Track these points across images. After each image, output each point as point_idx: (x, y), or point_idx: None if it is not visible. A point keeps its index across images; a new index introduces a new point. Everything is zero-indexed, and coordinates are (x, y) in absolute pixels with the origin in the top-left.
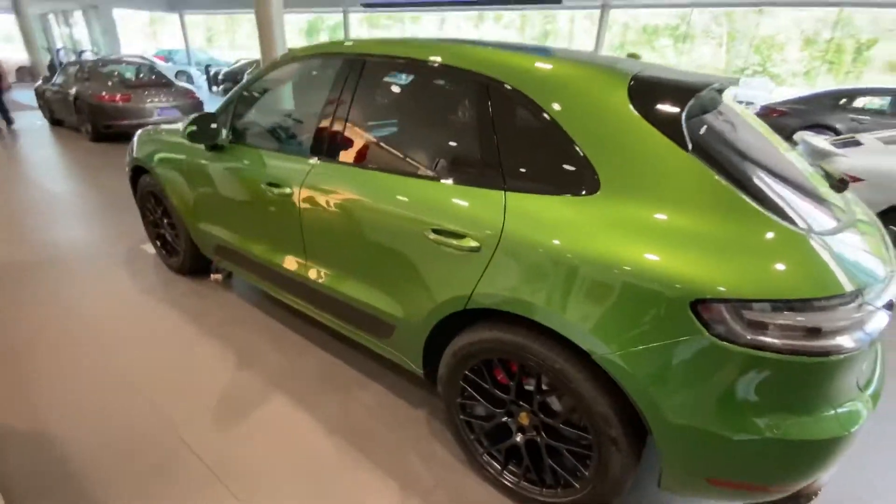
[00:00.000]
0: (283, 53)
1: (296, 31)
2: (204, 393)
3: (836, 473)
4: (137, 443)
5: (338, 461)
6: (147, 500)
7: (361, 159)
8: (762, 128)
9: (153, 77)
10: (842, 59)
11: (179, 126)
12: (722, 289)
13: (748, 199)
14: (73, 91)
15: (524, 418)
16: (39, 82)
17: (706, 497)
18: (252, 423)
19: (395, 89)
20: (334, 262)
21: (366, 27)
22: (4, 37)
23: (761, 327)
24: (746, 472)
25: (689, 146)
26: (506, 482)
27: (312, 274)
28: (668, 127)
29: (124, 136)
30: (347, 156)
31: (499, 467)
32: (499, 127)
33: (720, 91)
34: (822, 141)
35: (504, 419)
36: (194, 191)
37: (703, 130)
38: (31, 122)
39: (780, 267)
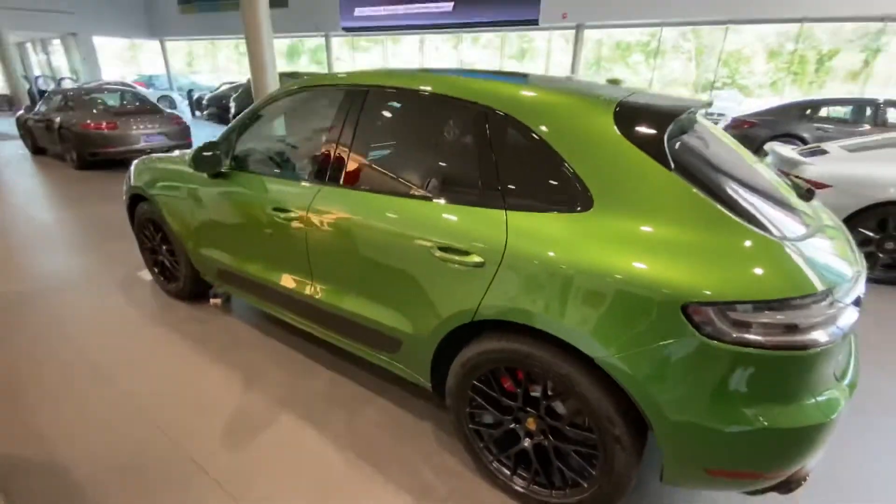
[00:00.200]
0: (284, 85)
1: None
2: (212, 415)
3: (822, 460)
4: (148, 465)
5: (350, 476)
6: None
7: (367, 184)
8: (733, 144)
9: (139, 104)
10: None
11: (177, 154)
12: (708, 293)
13: (727, 212)
14: (57, 119)
15: (531, 423)
16: (21, 111)
17: (706, 487)
18: (262, 442)
19: (397, 118)
20: (341, 282)
21: (347, 49)
22: None
23: (745, 326)
24: (741, 461)
25: (672, 165)
26: (516, 487)
27: (318, 294)
28: (652, 148)
29: (110, 164)
30: (353, 181)
31: (508, 473)
32: (499, 153)
33: (695, 113)
34: (790, 151)
35: (512, 426)
36: (196, 217)
37: (683, 150)
38: (12, 152)
39: (758, 271)
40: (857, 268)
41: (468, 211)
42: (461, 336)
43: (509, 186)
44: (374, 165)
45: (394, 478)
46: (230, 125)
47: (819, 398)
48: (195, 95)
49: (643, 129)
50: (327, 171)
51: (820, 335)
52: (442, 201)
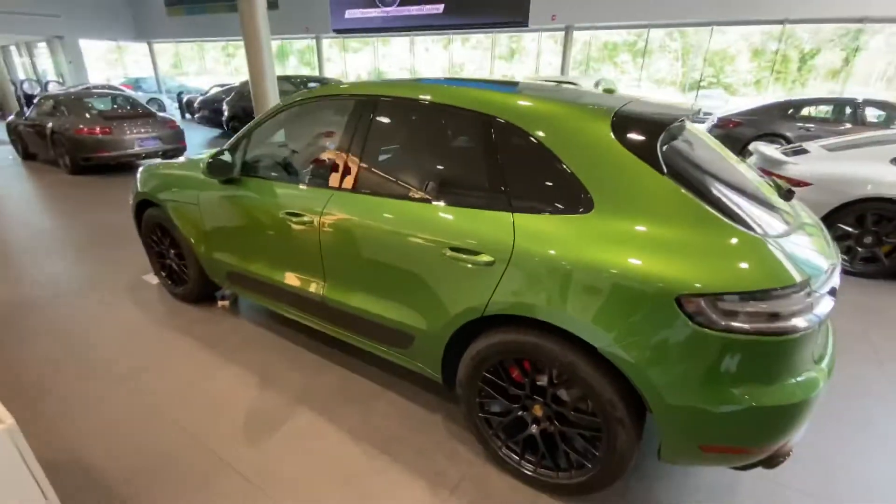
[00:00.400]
0: (294, 94)
1: None
2: (231, 412)
3: (806, 439)
4: (176, 462)
5: (368, 465)
6: None
7: (378, 189)
8: (719, 147)
9: (133, 108)
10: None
11: (182, 160)
12: (698, 285)
13: (715, 212)
14: (50, 124)
15: (538, 410)
16: (12, 117)
17: (700, 463)
18: (282, 436)
19: (406, 126)
20: (353, 282)
21: (336, 49)
22: None
23: (733, 315)
24: (731, 438)
25: (665, 170)
26: (524, 471)
27: (331, 293)
28: (646, 154)
29: (103, 169)
30: (365, 186)
31: (517, 458)
32: (506, 160)
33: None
34: (774, 150)
35: (520, 413)
36: (207, 221)
37: (674, 155)
38: (2, 157)
39: (743, 265)
40: (833, 261)
41: (477, 214)
42: (471, 330)
43: (516, 191)
44: (384, 171)
45: (409, 465)
46: (240, 132)
47: (799, 378)
48: (185, 98)
49: (638, 137)
50: (340, 176)
51: (799, 322)
52: (451, 205)
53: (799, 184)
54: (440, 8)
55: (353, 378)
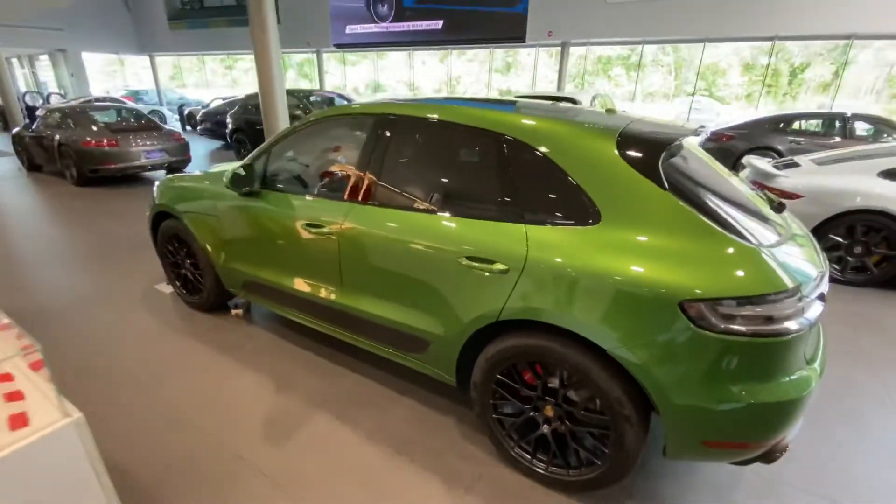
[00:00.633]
0: (314, 113)
1: None
2: (250, 416)
3: (801, 437)
4: (201, 464)
5: (384, 466)
6: None
7: (396, 202)
8: (715, 164)
9: (139, 121)
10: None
11: (199, 173)
12: (699, 291)
13: (712, 224)
14: (57, 137)
15: (549, 411)
16: (17, 129)
17: (703, 459)
18: (301, 439)
19: (424, 143)
20: (371, 290)
21: (334, 62)
22: None
23: (731, 318)
24: (731, 433)
25: (666, 185)
26: (536, 469)
27: (348, 301)
28: (649, 171)
29: (108, 181)
30: (384, 199)
31: (529, 457)
32: (519, 176)
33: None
34: (766, 164)
35: (532, 413)
36: (225, 232)
37: (674, 171)
38: (7, 168)
39: (739, 273)
40: (822, 269)
41: (492, 226)
42: (484, 335)
43: (528, 204)
44: (402, 185)
45: (425, 466)
46: (260, 147)
47: (793, 377)
48: (186, 110)
49: (641, 155)
50: (359, 190)
51: (791, 324)
52: (467, 217)
53: (791, 196)
54: (439, 24)
55: (367, 383)
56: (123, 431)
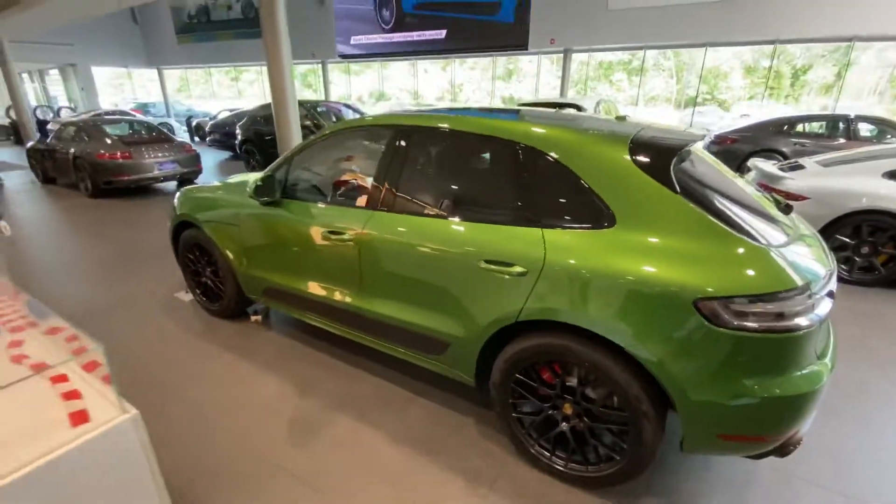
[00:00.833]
0: (333, 124)
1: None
2: (275, 419)
3: (813, 432)
4: (232, 466)
5: (408, 465)
6: None
7: (416, 209)
8: (722, 167)
9: (151, 133)
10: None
11: (217, 183)
12: (712, 290)
13: (723, 225)
14: (72, 150)
15: (567, 408)
16: (31, 143)
17: (719, 452)
18: (326, 440)
19: (442, 152)
20: (391, 294)
21: (338, 72)
22: None
23: (743, 315)
24: (747, 427)
25: (678, 189)
26: (556, 466)
27: (369, 305)
28: (661, 176)
29: (122, 192)
30: (403, 207)
31: (548, 454)
32: (536, 183)
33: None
34: (771, 167)
35: (551, 412)
36: (246, 240)
37: (684, 175)
38: (22, 182)
39: (750, 272)
40: (830, 268)
41: (510, 230)
42: (503, 336)
43: (545, 210)
44: (421, 192)
45: (447, 465)
46: (280, 159)
47: (804, 371)
48: (194, 122)
49: (653, 160)
50: (378, 198)
51: (802, 321)
52: (484, 222)
53: (797, 198)
54: (443, 34)
55: (386, 385)
56: (153, 434)
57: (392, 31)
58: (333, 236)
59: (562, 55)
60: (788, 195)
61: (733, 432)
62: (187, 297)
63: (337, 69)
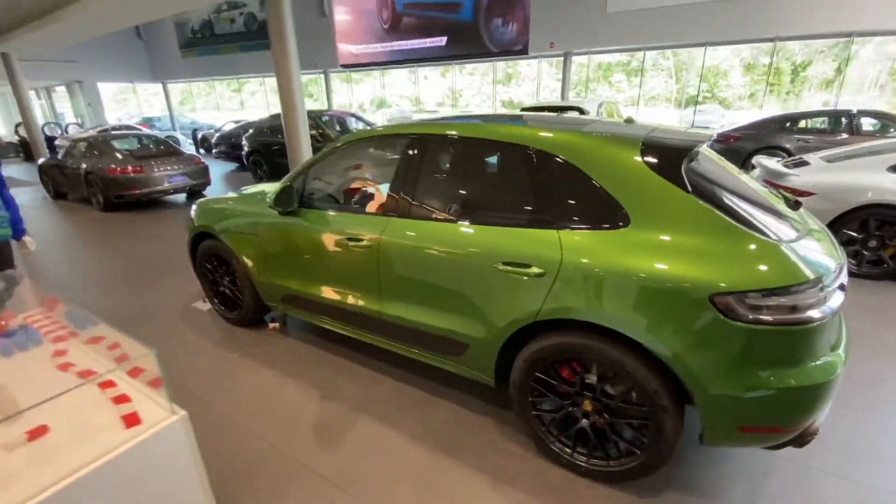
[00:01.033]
0: (349, 135)
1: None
2: (300, 423)
3: (828, 423)
4: (262, 469)
5: (431, 464)
6: None
7: (433, 214)
8: (729, 165)
9: (160, 147)
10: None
11: (233, 195)
12: (727, 285)
13: (734, 223)
14: (84, 166)
15: (587, 405)
16: (43, 159)
17: (738, 444)
18: (350, 441)
19: (459, 158)
20: (410, 298)
21: (338, 81)
22: None
23: (758, 309)
24: (765, 418)
25: (689, 188)
26: (577, 462)
27: (388, 309)
28: (672, 176)
29: (132, 206)
30: (421, 212)
31: (569, 451)
32: (551, 186)
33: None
34: (776, 164)
35: (571, 409)
36: (265, 249)
37: (694, 175)
38: (33, 197)
39: (763, 267)
40: (840, 262)
41: (526, 232)
42: (521, 337)
43: (561, 211)
44: (437, 198)
45: (469, 463)
46: (297, 169)
47: (819, 362)
48: (199, 134)
49: (664, 162)
50: (396, 204)
51: (815, 313)
52: (501, 225)
53: (803, 194)
54: (443, 41)
55: (404, 388)
56: None
57: (390, 30)
58: (352, 243)
59: (561, 58)
60: (794, 191)
61: (752, 424)
62: (205, 306)
63: (337, 78)
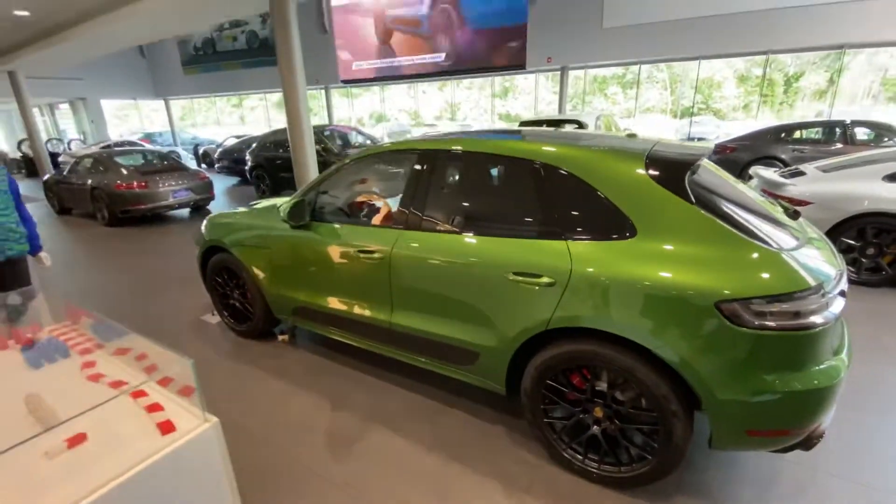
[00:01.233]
0: (361, 150)
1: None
2: (313, 432)
3: (834, 428)
4: (277, 477)
5: (444, 472)
6: None
7: (443, 226)
8: (728, 177)
9: (164, 162)
10: (774, 91)
11: (244, 210)
12: (730, 292)
13: (737, 232)
14: (89, 181)
15: (598, 412)
16: (48, 176)
17: (746, 448)
18: (363, 451)
19: (469, 172)
20: (422, 308)
21: (338, 95)
22: None
23: (763, 315)
24: (772, 421)
25: (693, 200)
26: (588, 469)
27: (399, 319)
28: (676, 188)
29: (136, 221)
30: (431, 224)
31: (581, 457)
32: (559, 199)
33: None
34: (772, 174)
35: (582, 416)
36: (275, 262)
37: (697, 186)
38: (38, 213)
39: (766, 275)
40: (840, 269)
41: (536, 244)
42: (532, 345)
43: (569, 223)
44: (448, 211)
45: (482, 471)
46: (308, 184)
47: (822, 367)
48: (201, 150)
49: (668, 174)
50: (407, 217)
51: (817, 318)
52: (511, 237)
53: (800, 203)
54: (441, 56)
55: (416, 397)
56: None
57: (382, 44)
58: (363, 255)
59: (558, 72)
60: (791, 201)
61: (760, 427)
62: (214, 319)
63: (336, 93)
